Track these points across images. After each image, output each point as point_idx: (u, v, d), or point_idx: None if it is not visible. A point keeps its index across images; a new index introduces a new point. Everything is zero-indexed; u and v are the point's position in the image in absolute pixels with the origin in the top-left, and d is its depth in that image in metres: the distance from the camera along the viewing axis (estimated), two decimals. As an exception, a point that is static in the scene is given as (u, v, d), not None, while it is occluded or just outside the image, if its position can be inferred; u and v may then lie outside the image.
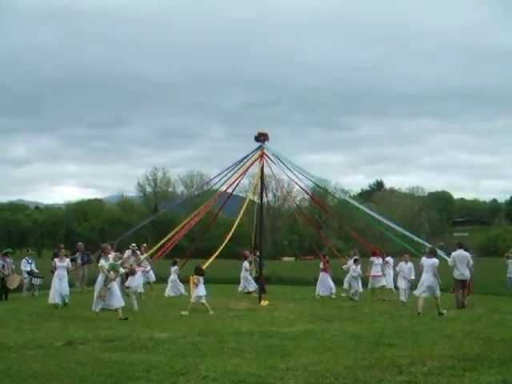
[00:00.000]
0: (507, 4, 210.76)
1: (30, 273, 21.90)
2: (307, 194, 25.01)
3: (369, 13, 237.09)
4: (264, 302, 18.89)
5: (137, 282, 18.78)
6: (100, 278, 15.59)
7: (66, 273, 18.78)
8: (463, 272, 17.78)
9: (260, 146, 20.07)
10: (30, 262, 22.23)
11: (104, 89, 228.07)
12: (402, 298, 19.14)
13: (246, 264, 23.04)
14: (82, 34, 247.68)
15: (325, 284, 21.41)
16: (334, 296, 21.44)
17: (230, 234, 20.58)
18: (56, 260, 18.96)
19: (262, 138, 19.98)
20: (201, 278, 16.71)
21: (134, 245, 21.73)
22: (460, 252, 18.03)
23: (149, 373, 8.40)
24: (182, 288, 22.37)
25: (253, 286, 22.70)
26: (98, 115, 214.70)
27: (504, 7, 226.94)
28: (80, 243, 25.33)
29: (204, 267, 17.14)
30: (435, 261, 16.14)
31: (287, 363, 9.06)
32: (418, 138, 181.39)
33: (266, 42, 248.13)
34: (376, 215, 23.06)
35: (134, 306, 16.93)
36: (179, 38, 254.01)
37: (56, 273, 18.46)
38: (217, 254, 19.07)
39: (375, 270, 21.03)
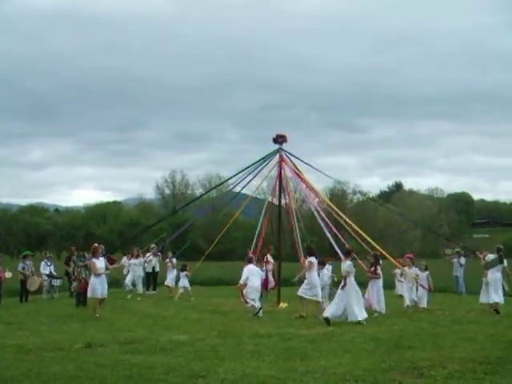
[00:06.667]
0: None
1: (50, 275, 22.01)
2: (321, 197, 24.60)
3: (382, 16, 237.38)
4: (283, 304, 18.85)
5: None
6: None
7: None
8: None
9: (279, 148, 19.97)
10: (49, 264, 22.33)
11: (121, 94, 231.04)
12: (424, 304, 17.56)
13: None
14: (100, 42, 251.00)
15: None
16: None
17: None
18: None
19: (280, 139, 19.88)
20: None
21: (154, 246, 22.57)
22: None
23: (168, 375, 8.42)
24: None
25: None
26: (115, 119, 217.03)
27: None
28: (101, 245, 25.38)
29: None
30: None
31: (306, 366, 9.04)
32: (434, 140, 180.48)
33: (279, 48, 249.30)
34: None
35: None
36: (194, 45, 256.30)
37: None
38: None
39: None
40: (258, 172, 21.01)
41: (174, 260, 22.79)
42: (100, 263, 16.85)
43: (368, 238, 19.42)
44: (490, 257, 17.13)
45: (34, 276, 21.15)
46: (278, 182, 20.47)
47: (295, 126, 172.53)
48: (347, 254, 15.82)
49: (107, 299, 17.00)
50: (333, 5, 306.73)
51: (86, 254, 20.36)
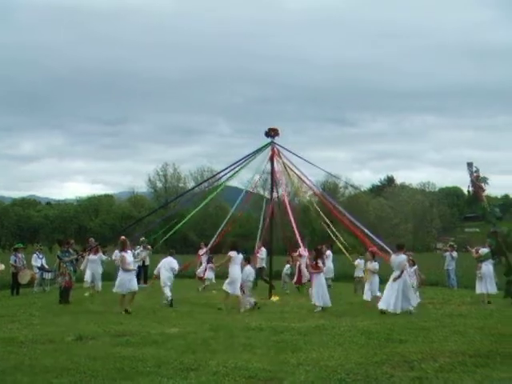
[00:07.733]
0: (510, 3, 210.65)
1: (41, 268, 21.93)
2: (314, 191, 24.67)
3: (374, 12, 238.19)
4: (274, 298, 18.87)
5: None
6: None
7: None
8: None
9: (271, 142, 19.94)
10: (40, 257, 22.24)
11: (112, 86, 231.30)
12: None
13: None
14: (92, 34, 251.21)
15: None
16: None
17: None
18: None
19: (272, 133, 19.86)
20: None
21: (143, 239, 22.62)
22: None
23: (159, 368, 8.42)
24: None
25: None
26: (106, 112, 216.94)
27: (508, 6, 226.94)
28: (91, 239, 25.38)
29: None
30: None
31: (298, 358, 9.06)
32: (424, 134, 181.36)
33: (272, 41, 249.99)
34: None
35: None
36: (187, 38, 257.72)
37: None
38: None
39: None
40: (246, 164, 20.88)
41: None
42: (130, 257, 16.11)
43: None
44: (484, 251, 17.62)
45: (25, 269, 21.08)
46: (270, 176, 20.47)
47: (286, 119, 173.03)
48: (400, 248, 16.12)
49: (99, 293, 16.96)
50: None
51: (71, 250, 20.00)
